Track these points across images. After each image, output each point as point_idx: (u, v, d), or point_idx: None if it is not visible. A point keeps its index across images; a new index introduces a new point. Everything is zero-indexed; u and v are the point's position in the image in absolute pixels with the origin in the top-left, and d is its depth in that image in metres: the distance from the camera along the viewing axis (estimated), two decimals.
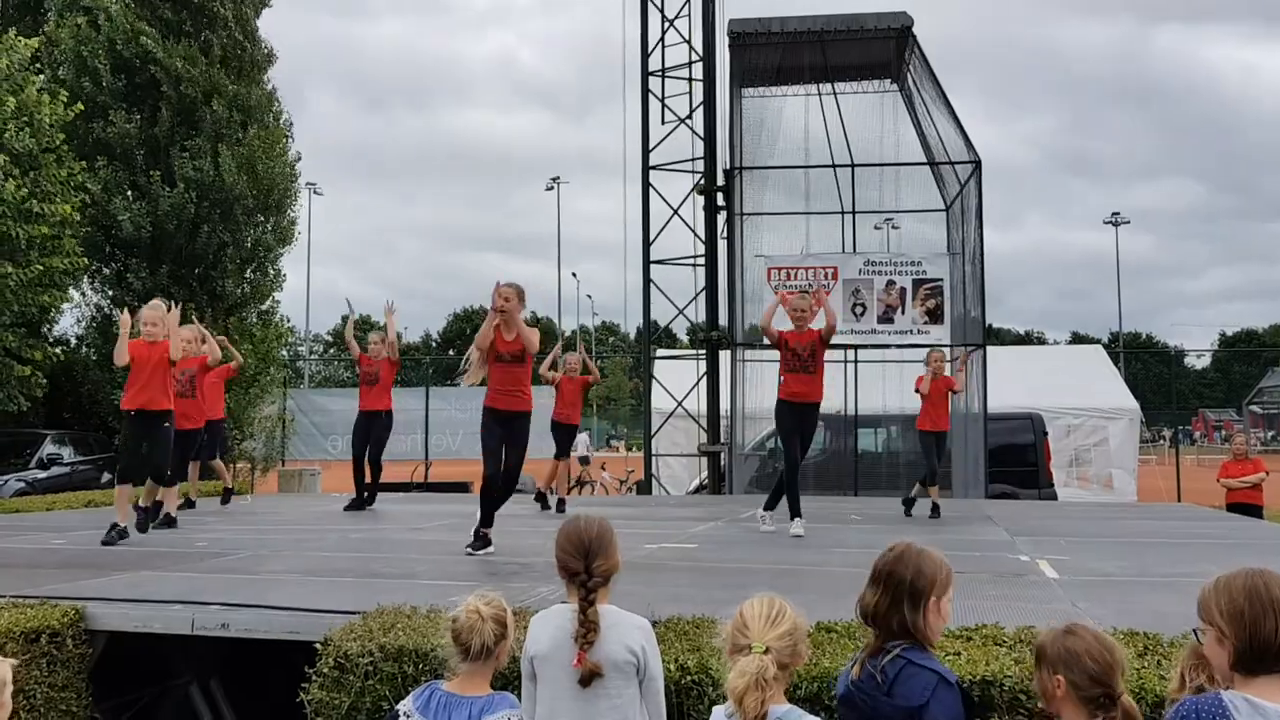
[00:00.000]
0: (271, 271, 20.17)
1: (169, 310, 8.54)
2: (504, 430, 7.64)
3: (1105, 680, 2.71)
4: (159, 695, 6.38)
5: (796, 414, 9.06)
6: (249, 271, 19.61)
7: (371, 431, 11.47)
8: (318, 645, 4.17)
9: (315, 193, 61.60)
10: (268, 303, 20.52)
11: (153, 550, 7.90)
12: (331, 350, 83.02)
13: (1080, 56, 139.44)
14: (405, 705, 3.43)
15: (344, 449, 22.12)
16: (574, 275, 66.35)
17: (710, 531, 9.58)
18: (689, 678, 3.78)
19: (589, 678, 3.10)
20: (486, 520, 7.67)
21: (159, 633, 5.15)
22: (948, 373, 11.72)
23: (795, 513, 8.97)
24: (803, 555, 7.62)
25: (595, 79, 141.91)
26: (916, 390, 11.40)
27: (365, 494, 11.78)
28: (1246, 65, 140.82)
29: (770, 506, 9.53)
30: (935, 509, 11.05)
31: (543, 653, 3.21)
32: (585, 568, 3.22)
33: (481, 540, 7.60)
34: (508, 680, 3.86)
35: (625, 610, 3.30)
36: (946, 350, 12.72)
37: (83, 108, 16.58)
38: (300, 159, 20.21)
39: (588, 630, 3.14)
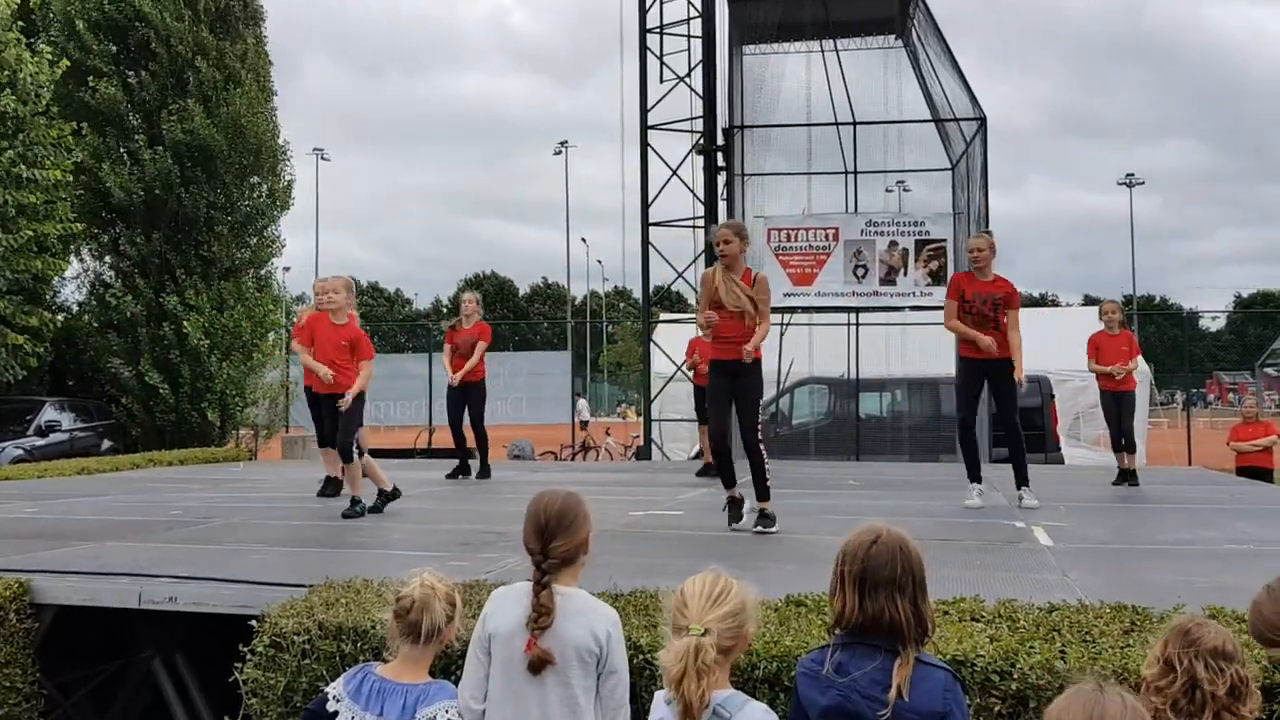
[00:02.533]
0: (270, 236, 19.92)
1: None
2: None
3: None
4: (121, 669, 6.21)
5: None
6: (247, 236, 19.38)
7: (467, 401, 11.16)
8: (252, 623, 3.95)
9: (322, 158, 61.47)
10: (266, 268, 20.31)
11: (123, 520, 7.72)
12: None
13: (1080, 16, 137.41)
14: (335, 688, 3.21)
15: None
16: (583, 241, 65.94)
17: (700, 498, 9.35)
18: (640, 658, 3.55)
19: (538, 664, 2.87)
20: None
21: (108, 606, 4.95)
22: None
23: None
24: (790, 522, 7.37)
25: (590, 40, 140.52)
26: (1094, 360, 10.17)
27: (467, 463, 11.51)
28: (1252, 24, 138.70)
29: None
30: (1124, 475, 10.30)
31: (501, 632, 2.98)
32: (542, 548, 2.98)
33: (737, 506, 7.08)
34: (450, 659, 3.64)
35: (593, 596, 3.07)
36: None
37: (69, 64, 16.30)
38: (276, 110, 19.76)
39: (539, 614, 2.90)
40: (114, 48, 18.08)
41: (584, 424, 21.85)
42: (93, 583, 5.02)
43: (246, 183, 18.87)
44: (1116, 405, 10.19)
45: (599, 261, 69.54)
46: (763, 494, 7.02)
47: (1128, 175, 57.47)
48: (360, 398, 7.72)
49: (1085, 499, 9.30)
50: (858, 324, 16.71)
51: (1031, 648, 3.37)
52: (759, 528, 6.94)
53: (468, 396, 11.04)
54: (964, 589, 4.56)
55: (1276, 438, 13.54)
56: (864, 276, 15.63)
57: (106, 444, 17.96)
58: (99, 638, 5.82)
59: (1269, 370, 43.31)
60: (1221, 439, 17.63)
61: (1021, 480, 8.30)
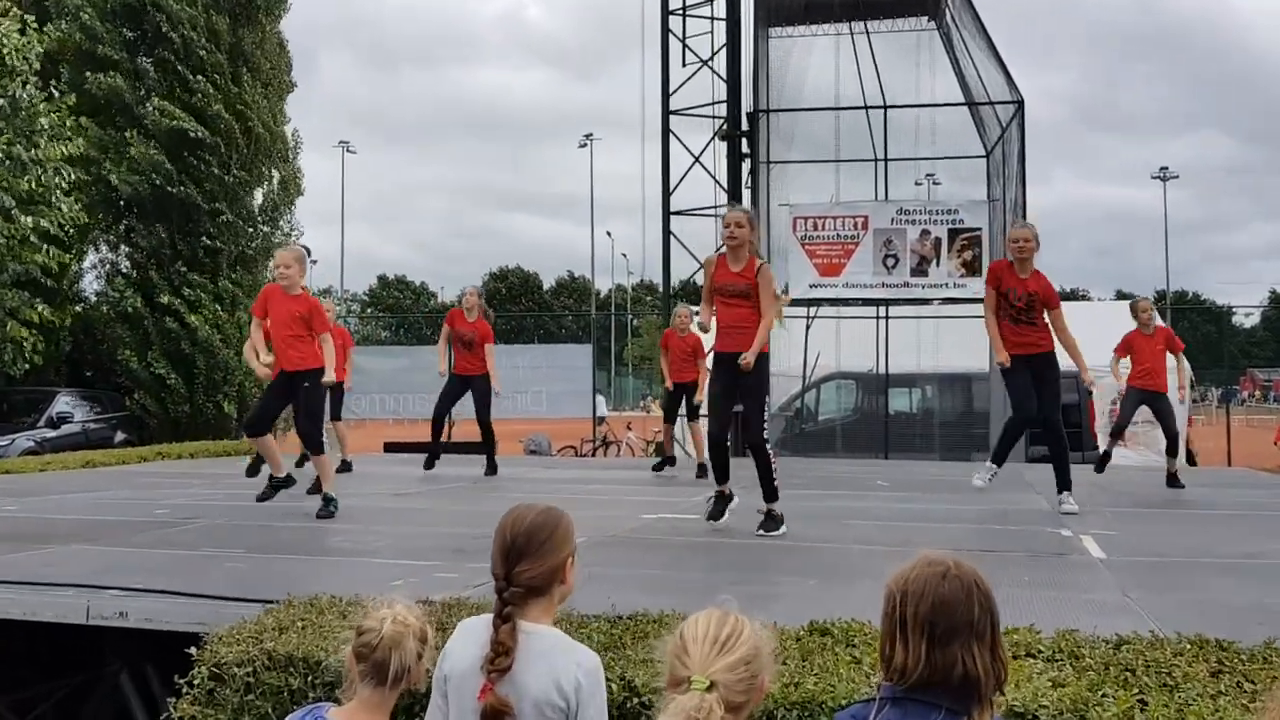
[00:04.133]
0: (285, 227, 19.54)
1: None
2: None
3: None
4: (87, 684, 5.74)
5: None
6: (260, 226, 19.00)
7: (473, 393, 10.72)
8: (192, 650, 3.44)
9: (349, 150, 61.30)
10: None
11: (103, 520, 7.26)
12: (370, 310, 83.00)
13: (1102, 7, 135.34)
14: None
15: (366, 409, 21.70)
16: (609, 234, 65.39)
17: None
18: (635, 701, 3.00)
19: (492, 715, 2.33)
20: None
21: (52, 621, 4.46)
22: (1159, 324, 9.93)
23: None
24: (813, 529, 6.81)
25: (607, 32, 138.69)
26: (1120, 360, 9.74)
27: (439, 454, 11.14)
28: (1273, 12, 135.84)
29: None
30: (1172, 479, 9.72)
31: (457, 672, 2.44)
32: (506, 572, 2.43)
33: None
34: (415, 698, 3.11)
35: (566, 635, 2.51)
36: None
37: (62, 37, 15.94)
38: (288, 101, 19.39)
39: (497, 654, 2.35)
40: (128, 33, 17.70)
41: (600, 420, 21.33)
42: (35, 595, 4.53)
43: (253, 172, 18.45)
44: (1146, 404, 9.62)
45: (624, 255, 69.03)
46: (770, 495, 6.59)
47: (1162, 169, 56.40)
48: (319, 374, 7.32)
49: (1131, 503, 8.69)
50: (887, 316, 16.08)
51: (1104, 695, 2.81)
52: (761, 531, 6.51)
53: (470, 389, 10.54)
54: (1013, 613, 3.99)
55: None
56: (894, 267, 15.00)
57: (120, 436, 17.65)
58: (58, 650, 5.34)
59: None
60: (1259, 438, 16.96)
61: (1063, 484, 7.68)
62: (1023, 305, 7.52)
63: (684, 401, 11.00)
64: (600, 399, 23.00)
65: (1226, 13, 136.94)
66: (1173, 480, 9.67)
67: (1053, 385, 7.61)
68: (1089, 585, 4.86)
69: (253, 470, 9.23)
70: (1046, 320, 7.55)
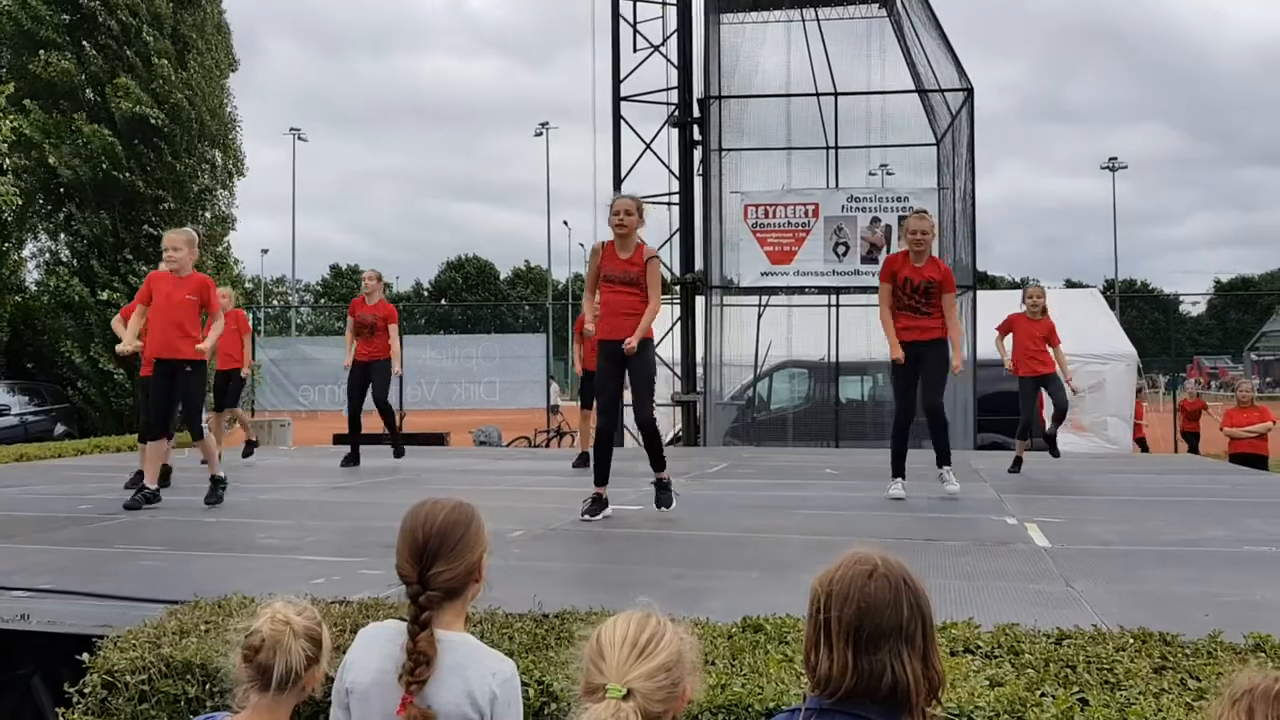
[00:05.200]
0: (220, 213, 19.11)
1: None
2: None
3: None
4: None
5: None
6: (200, 212, 18.58)
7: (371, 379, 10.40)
8: (83, 660, 3.23)
9: (300, 138, 60.31)
10: (221, 246, 19.46)
11: (20, 516, 6.96)
12: (323, 300, 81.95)
13: (1045, 3, 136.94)
14: None
15: (316, 400, 21.29)
16: (565, 224, 65.03)
17: None
18: (554, 706, 2.83)
19: None
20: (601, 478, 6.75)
21: None
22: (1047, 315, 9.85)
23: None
24: (759, 519, 6.69)
25: (554, 18, 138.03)
26: (1003, 339, 9.77)
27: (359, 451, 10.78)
28: (1211, 8, 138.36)
29: None
30: (1051, 443, 9.90)
31: (361, 685, 2.25)
32: (419, 575, 2.24)
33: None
34: (319, 709, 2.92)
35: (481, 643, 2.33)
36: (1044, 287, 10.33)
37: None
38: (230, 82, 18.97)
39: (415, 664, 2.17)
40: (66, 18, 17.20)
41: (554, 409, 21.10)
42: None
43: (195, 156, 18.03)
44: (1040, 388, 9.67)
45: (581, 245, 68.60)
46: (660, 464, 6.74)
47: (1111, 159, 57.01)
48: (203, 365, 7.13)
49: (1079, 491, 8.67)
50: (838, 305, 16.02)
51: (1043, 695, 2.68)
52: (663, 507, 6.65)
53: (370, 375, 10.28)
54: (954, 606, 3.89)
55: (1273, 424, 12.97)
56: (845, 255, 14.95)
57: (61, 429, 17.23)
58: None
59: (1253, 356, 42.94)
60: (1205, 423, 17.13)
61: (943, 459, 7.82)
62: (921, 293, 7.57)
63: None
64: (554, 387, 22.76)
65: (1166, 8, 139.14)
66: (1050, 442, 9.85)
67: (940, 369, 7.68)
68: (1033, 575, 4.77)
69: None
70: (944, 310, 7.60)
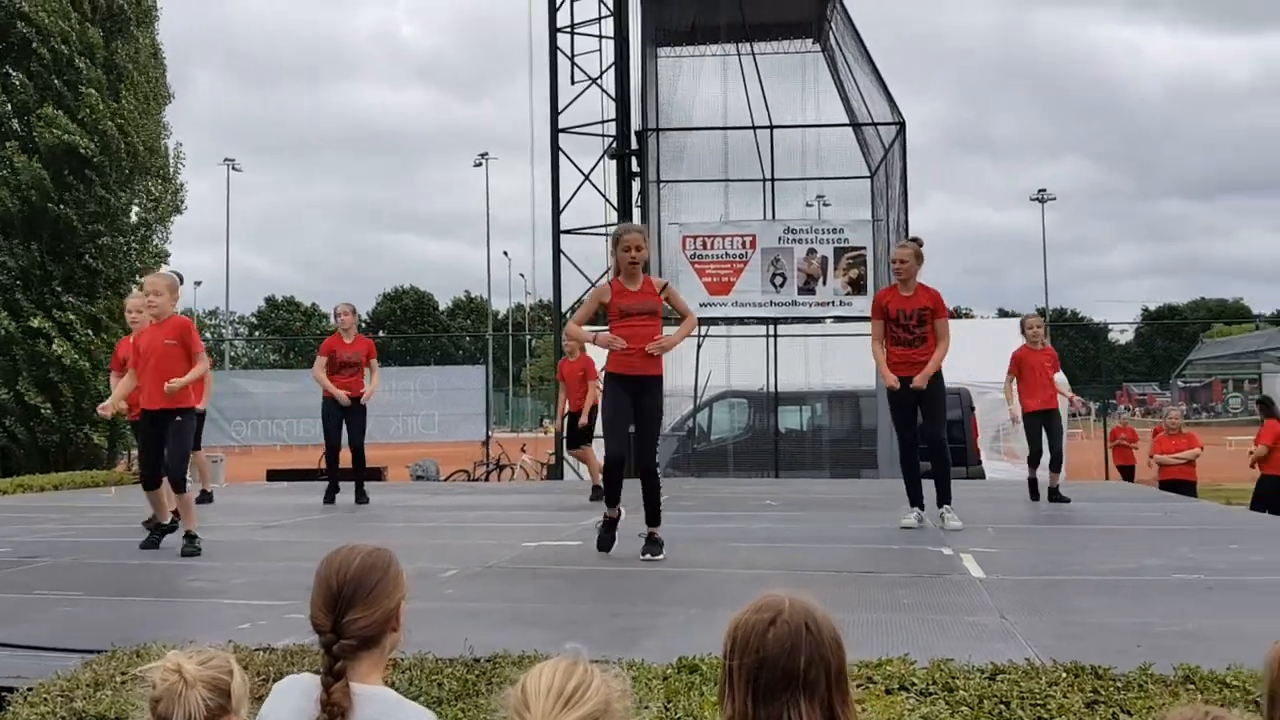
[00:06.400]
0: (154, 248, 18.74)
1: None
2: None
3: None
4: None
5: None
6: (134, 244, 18.19)
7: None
8: None
9: (234, 168, 59.50)
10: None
11: None
12: (258, 332, 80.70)
13: (966, 39, 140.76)
14: None
15: (250, 435, 20.83)
16: (505, 254, 64.71)
17: None
18: None
19: None
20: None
21: None
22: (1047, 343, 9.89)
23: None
24: (699, 554, 6.65)
25: (489, 51, 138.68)
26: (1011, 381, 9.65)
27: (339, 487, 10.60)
28: (1128, 45, 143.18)
29: None
30: (1054, 493, 9.75)
31: None
32: (333, 623, 2.16)
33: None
34: None
35: (401, 696, 2.24)
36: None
37: None
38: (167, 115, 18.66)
39: (330, 717, 2.09)
40: None
41: (484, 441, 20.94)
42: None
43: (130, 189, 17.68)
44: (1045, 425, 9.63)
45: (521, 275, 68.49)
46: (656, 518, 6.48)
47: (1040, 191, 58.33)
48: (193, 413, 6.88)
49: (1013, 519, 8.76)
50: (776, 335, 16.13)
51: None
52: (648, 555, 6.36)
53: (352, 416, 10.07)
54: (889, 639, 3.88)
55: (1200, 450, 13.24)
56: (782, 285, 15.05)
57: None
58: None
59: (1180, 383, 44.01)
60: (1136, 451, 17.48)
61: (944, 498, 7.78)
62: (915, 323, 7.58)
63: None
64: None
65: (1084, 45, 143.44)
66: (1055, 495, 9.79)
67: (938, 402, 7.69)
68: (968, 607, 4.78)
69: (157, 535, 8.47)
70: (936, 334, 7.62)
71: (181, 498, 6.87)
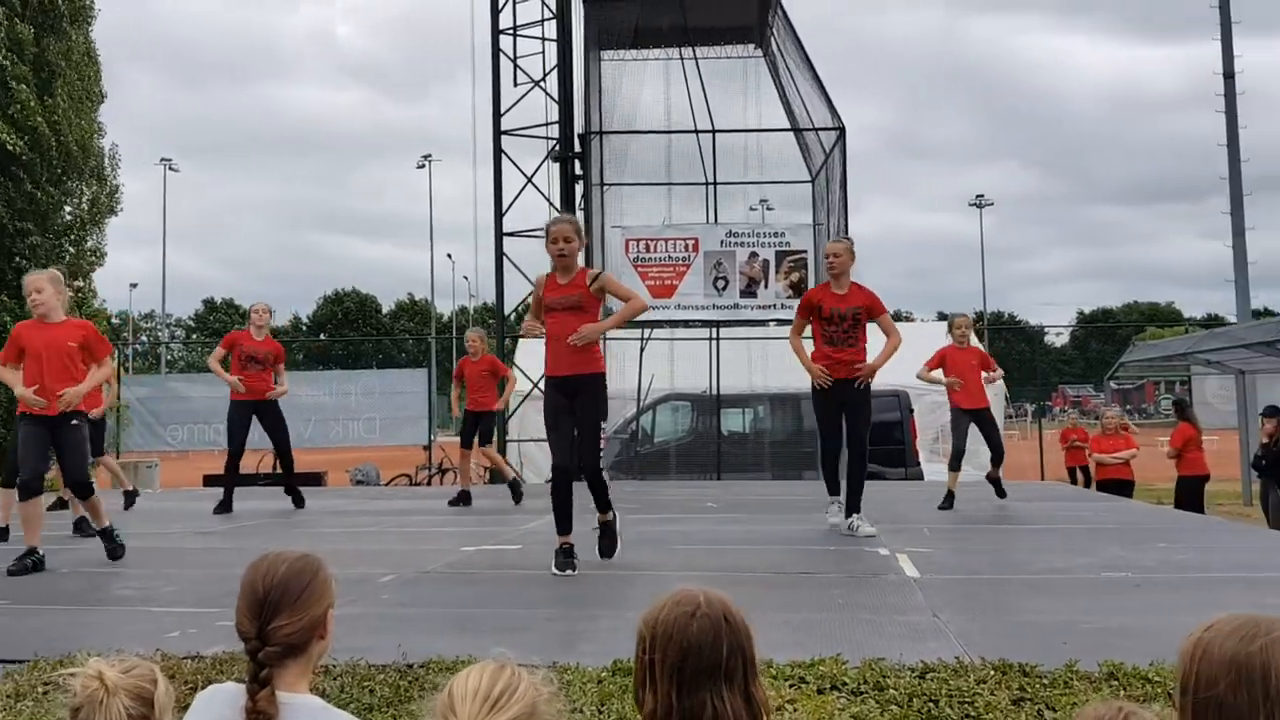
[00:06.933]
0: (89, 247, 18.37)
1: None
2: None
3: None
4: None
5: None
6: (68, 244, 17.82)
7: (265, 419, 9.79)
8: None
9: (171, 168, 58.42)
10: (85, 282, 18.70)
11: None
12: (194, 335, 79.30)
13: (900, 46, 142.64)
14: None
15: (186, 440, 20.46)
16: (449, 256, 64.30)
17: (545, 527, 8.54)
18: None
19: None
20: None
21: None
22: (973, 343, 9.96)
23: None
24: (639, 556, 6.65)
25: (429, 52, 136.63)
26: (932, 371, 9.61)
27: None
28: (1059, 54, 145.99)
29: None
30: (997, 485, 9.86)
31: None
32: (258, 630, 2.12)
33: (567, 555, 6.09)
34: None
35: (328, 705, 2.20)
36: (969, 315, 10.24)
37: None
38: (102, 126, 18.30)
39: None
40: None
41: (427, 446, 20.78)
42: None
43: (63, 188, 17.31)
44: (975, 423, 9.71)
45: (465, 278, 68.03)
46: (605, 505, 6.34)
47: (978, 196, 59.24)
48: (86, 416, 6.69)
49: (948, 519, 8.88)
50: (719, 338, 16.20)
51: None
52: (605, 556, 6.28)
53: (265, 417, 9.77)
54: (824, 639, 3.91)
55: (1137, 450, 13.53)
56: (724, 289, 15.12)
57: None
58: None
59: (1113, 384, 44.85)
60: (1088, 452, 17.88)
61: (854, 507, 7.58)
62: (849, 322, 7.54)
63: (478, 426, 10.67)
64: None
65: (1016, 53, 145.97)
66: (998, 486, 9.89)
67: (865, 408, 7.62)
68: (901, 607, 4.84)
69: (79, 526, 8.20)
70: (866, 339, 7.60)
71: (88, 501, 6.66)
